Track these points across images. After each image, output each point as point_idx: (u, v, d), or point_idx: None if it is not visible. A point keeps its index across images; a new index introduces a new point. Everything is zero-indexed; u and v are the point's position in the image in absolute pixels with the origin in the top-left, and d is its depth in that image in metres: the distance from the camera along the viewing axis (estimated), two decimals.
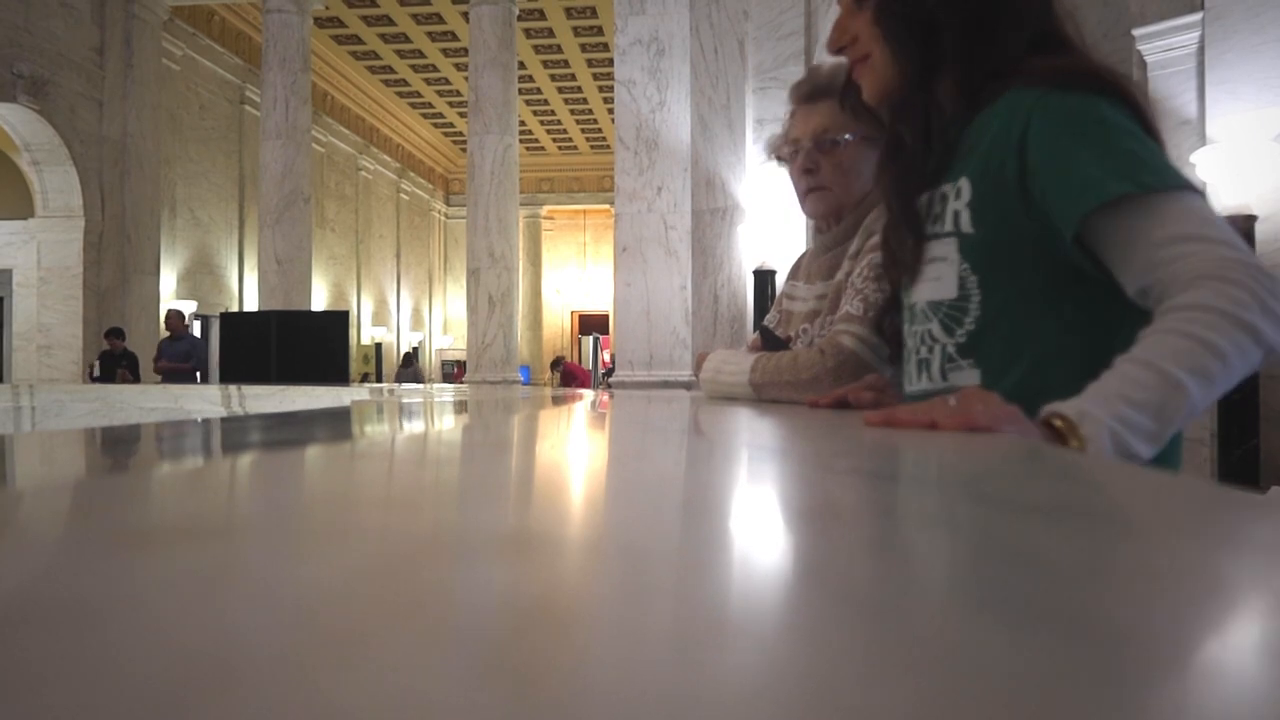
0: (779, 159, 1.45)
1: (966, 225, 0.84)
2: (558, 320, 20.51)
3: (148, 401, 4.15)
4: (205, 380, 8.25)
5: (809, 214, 1.44)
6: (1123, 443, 0.66)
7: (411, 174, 18.66)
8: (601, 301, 19.81)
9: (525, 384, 12.01)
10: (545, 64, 14.54)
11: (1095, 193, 0.75)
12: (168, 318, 8.10)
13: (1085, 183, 0.76)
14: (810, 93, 1.39)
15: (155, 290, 9.97)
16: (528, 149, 17.89)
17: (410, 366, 14.91)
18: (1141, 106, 0.81)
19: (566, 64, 14.54)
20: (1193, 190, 0.76)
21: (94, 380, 7.65)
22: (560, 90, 15.75)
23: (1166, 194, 0.74)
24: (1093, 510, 0.30)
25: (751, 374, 1.25)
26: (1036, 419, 0.68)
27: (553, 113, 16.94)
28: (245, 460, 0.55)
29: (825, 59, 1.11)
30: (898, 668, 0.12)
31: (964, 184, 0.85)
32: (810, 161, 1.36)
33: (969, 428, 0.64)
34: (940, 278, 0.86)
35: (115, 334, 8.09)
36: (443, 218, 20.59)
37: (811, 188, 1.38)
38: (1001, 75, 0.85)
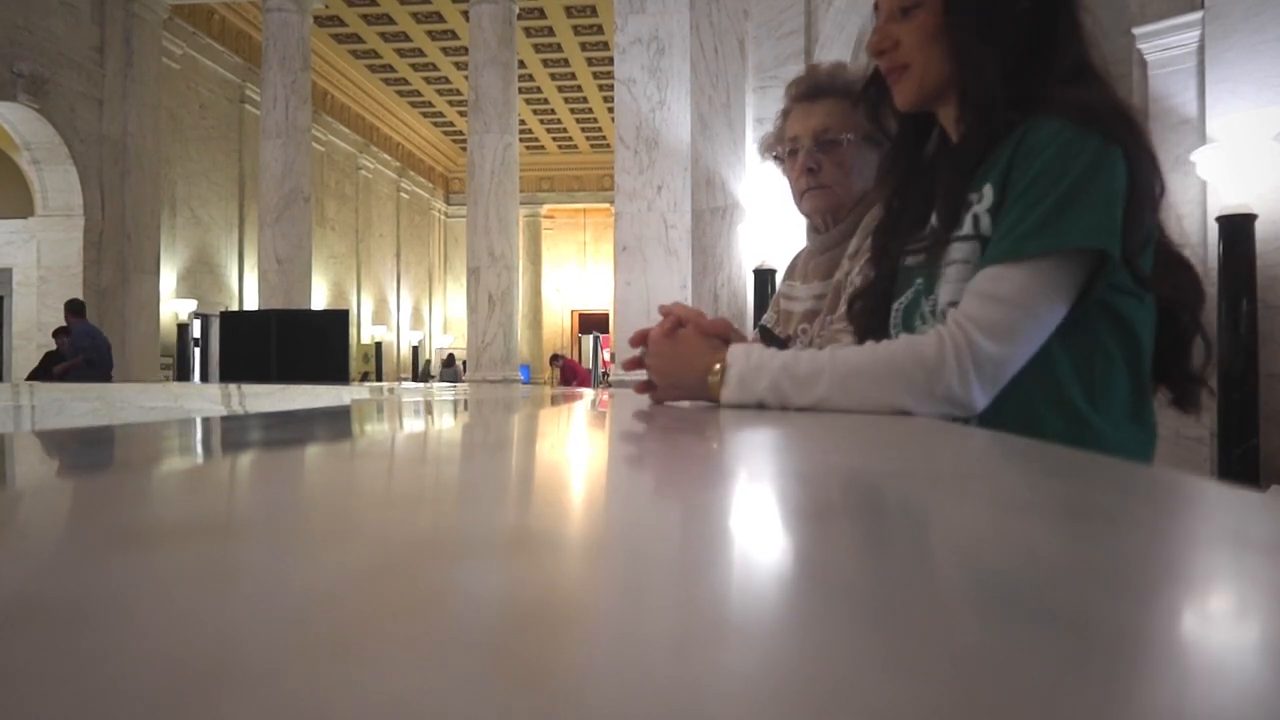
0: (775, 158, 1.45)
1: (986, 229, 0.88)
2: (558, 319, 20.51)
3: (148, 400, 4.15)
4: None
5: (806, 211, 1.43)
6: (748, 390, 0.86)
7: (411, 173, 18.66)
8: (602, 300, 19.81)
9: (525, 383, 12.01)
10: (545, 63, 14.53)
11: (992, 252, 0.85)
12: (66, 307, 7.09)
13: (998, 238, 0.85)
14: (809, 91, 1.38)
15: (155, 290, 9.97)
16: (528, 148, 17.88)
17: (451, 367, 15.12)
18: (1136, 156, 0.85)
19: (566, 63, 14.53)
20: (1081, 250, 0.83)
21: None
22: (560, 89, 15.74)
23: (1030, 258, 0.82)
24: (1092, 510, 0.30)
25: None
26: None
27: (553, 112, 16.94)
28: (245, 459, 0.55)
29: (824, 58, 1.12)
30: (897, 667, 0.12)
31: (987, 190, 0.89)
32: (812, 160, 1.35)
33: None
34: (963, 279, 0.89)
35: (64, 333, 7.35)
36: (443, 217, 20.59)
37: (811, 186, 1.37)
38: (1043, 98, 0.89)
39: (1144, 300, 0.88)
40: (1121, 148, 0.84)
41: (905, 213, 1.04)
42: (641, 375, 1.01)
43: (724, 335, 0.96)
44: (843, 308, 1.23)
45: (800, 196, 1.40)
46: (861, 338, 1.06)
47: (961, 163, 0.96)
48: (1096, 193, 0.82)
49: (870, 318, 1.06)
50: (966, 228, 0.90)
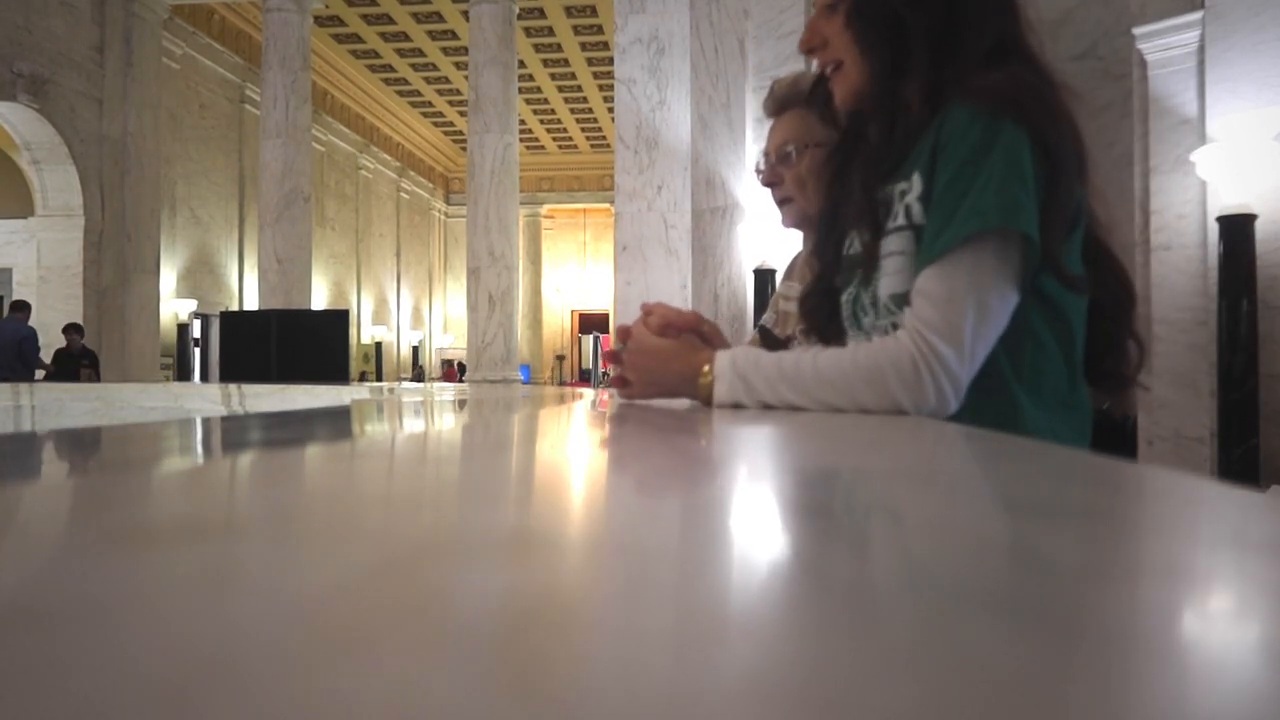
0: (758, 173, 1.51)
1: (918, 217, 0.89)
2: (558, 319, 20.51)
3: (148, 400, 4.15)
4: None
5: (783, 225, 1.50)
6: (736, 391, 0.86)
7: (411, 173, 18.66)
8: (602, 300, 19.81)
9: (525, 383, 12.02)
10: (545, 63, 14.53)
11: (928, 251, 0.86)
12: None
13: (931, 236, 0.86)
14: (773, 108, 1.46)
15: (155, 289, 9.97)
16: (528, 148, 17.88)
17: None
18: (1047, 136, 0.85)
19: (566, 63, 14.53)
20: (1007, 231, 0.83)
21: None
22: (560, 89, 15.74)
23: (965, 248, 0.83)
24: (1093, 510, 0.30)
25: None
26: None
27: (553, 112, 16.94)
28: (245, 459, 0.55)
29: (804, 66, 1.14)
30: (897, 667, 0.12)
31: (915, 179, 0.89)
32: (773, 175, 1.42)
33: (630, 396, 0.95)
34: (901, 270, 0.90)
35: (74, 329, 7.65)
36: (443, 216, 20.59)
37: (780, 200, 1.45)
38: (959, 83, 0.89)
39: (1061, 281, 0.88)
40: (1030, 128, 0.84)
41: (843, 204, 1.04)
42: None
43: (695, 328, 0.97)
44: None
45: (779, 209, 1.48)
46: (818, 333, 1.08)
47: (872, 163, 0.96)
48: (1010, 176, 0.82)
49: (822, 312, 1.07)
50: (900, 218, 0.91)
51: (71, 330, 7.74)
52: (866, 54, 0.94)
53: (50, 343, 8.41)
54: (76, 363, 7.59)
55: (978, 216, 0.82)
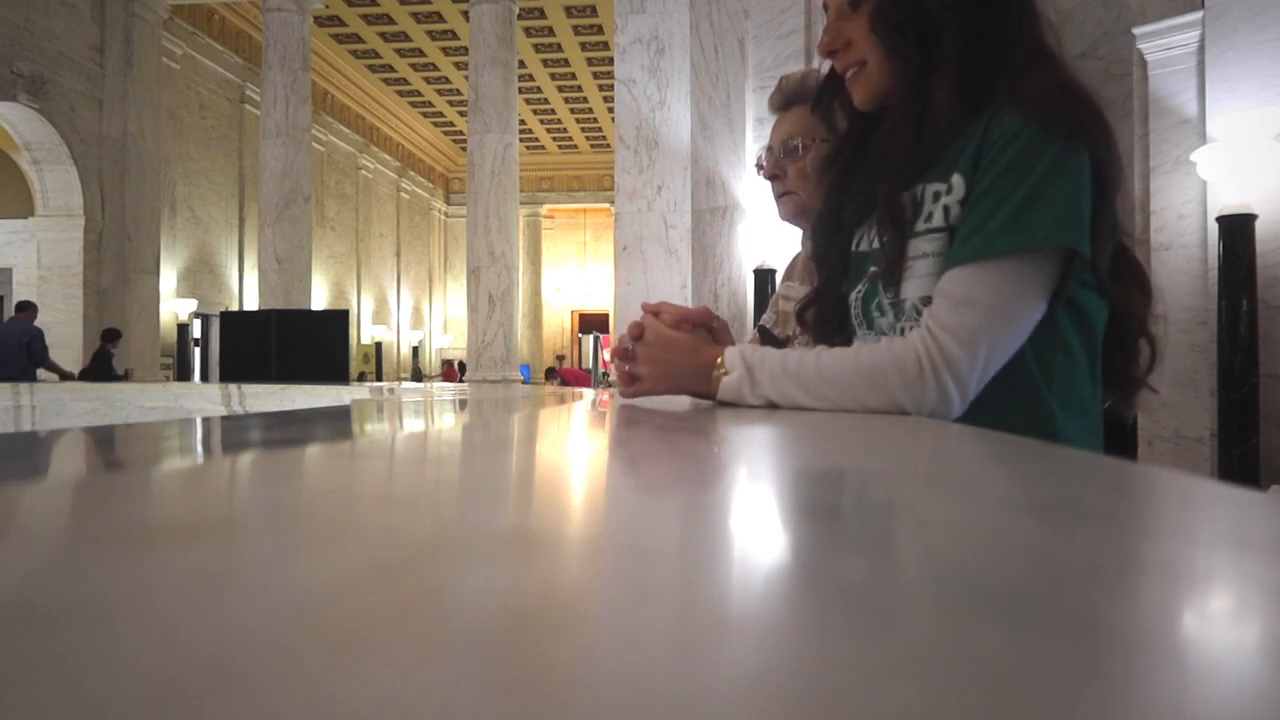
0: (757, 166, 1.52)
1: (957, 219, 0.86)
2: (558, 319, 20.51)
3: (148, 400, 4.15)
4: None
5: (782, 217, 1.51)
6: (745, 388, 0.86)
7: (411, 173, 18.66)
8: (602, 300, 19.81)
9: (526, 382, 12.01)
10: (545, 63, 14.53)
11: (958, 254, 0.84)
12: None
13: (962, 239, 0.84)
14: (782, 103, 1.47)
15: (155, 289, 9.97)
16: (528, 148, 17.89)
17: None
18: (1101, 151, 0.83)
19: (567, 63, 14.54)
20: (1050, 248, 0.82)
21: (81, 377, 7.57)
22: (560, 89, 15.74)
23: (1004, 256, 0.81)
24: (1092, 509, 0.30)
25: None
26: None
27: (553, 112, 16.94)
28: (245, 459, 0.55)
29: (813, 63, 1.13)
30: (897, 667, 0.12)
31: (956, 180, 0.86)
32: (777, 168, 1.43)
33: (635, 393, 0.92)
34: (933, 273, 0.87)
35: (112, 334, 8.33)
36: (443, 216, 20.59)
37: (781, 193, 1.45)
38: (996, 84, 0.87)
39: (1101, 293, 0.88)
40: (1089, 144, 0.82)
41: (849, 205, 1.02)
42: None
43: (706, 323, 0.96)
44: None
45: (776, 203, 1.49)
46: (828, 344, 1.03)
47: (899, 163, 0.93)
48: (1062, 191, 0.81)
49: (828, 320, 1.04)
50: (936, 219, 0.88)
51: (112, 334, 8.40)
52: (893, 54, 0.91)
53: (50, 343, 8.47)
54: (108, 362, 8.28)
55: (1019, 233, 0.80)
